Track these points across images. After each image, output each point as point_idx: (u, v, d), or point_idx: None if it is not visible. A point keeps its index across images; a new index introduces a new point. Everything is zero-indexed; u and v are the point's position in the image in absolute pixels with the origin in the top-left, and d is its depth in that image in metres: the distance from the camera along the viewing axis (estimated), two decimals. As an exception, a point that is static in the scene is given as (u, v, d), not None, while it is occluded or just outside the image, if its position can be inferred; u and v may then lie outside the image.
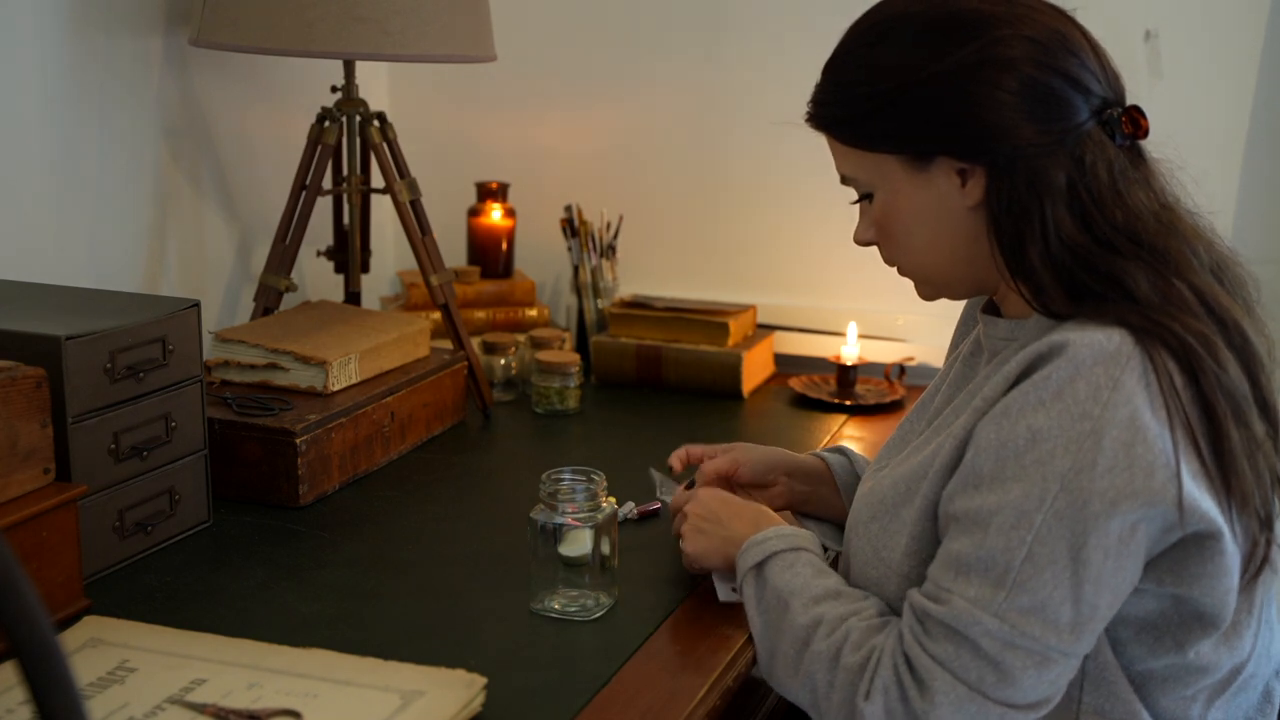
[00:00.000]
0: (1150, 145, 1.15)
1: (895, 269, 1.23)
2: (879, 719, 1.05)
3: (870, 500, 1.21)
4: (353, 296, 2.05)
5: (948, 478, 1.09)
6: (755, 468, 1.48)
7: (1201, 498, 1.01)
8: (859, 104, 1.14)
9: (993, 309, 1.22)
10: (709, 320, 2.13)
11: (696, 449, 1.53)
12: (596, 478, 1.30)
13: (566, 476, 1.31)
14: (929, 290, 1.22)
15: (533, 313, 2.27)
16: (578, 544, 1.28)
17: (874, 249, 1.25)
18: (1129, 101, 1.14)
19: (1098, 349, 1.02)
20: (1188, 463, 1.01)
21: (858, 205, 1.22)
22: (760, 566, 1.21)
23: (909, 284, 1.26)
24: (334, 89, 1.91)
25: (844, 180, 1.21)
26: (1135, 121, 1.11)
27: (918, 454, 1.18)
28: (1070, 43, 1.10)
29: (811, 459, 1.49)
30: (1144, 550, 1.03)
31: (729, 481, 1.48)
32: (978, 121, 1.09)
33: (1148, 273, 1.06)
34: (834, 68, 1.18)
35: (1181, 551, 1.04)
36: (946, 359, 1.35)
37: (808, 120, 1.20)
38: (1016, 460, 1.01)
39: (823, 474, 1.47)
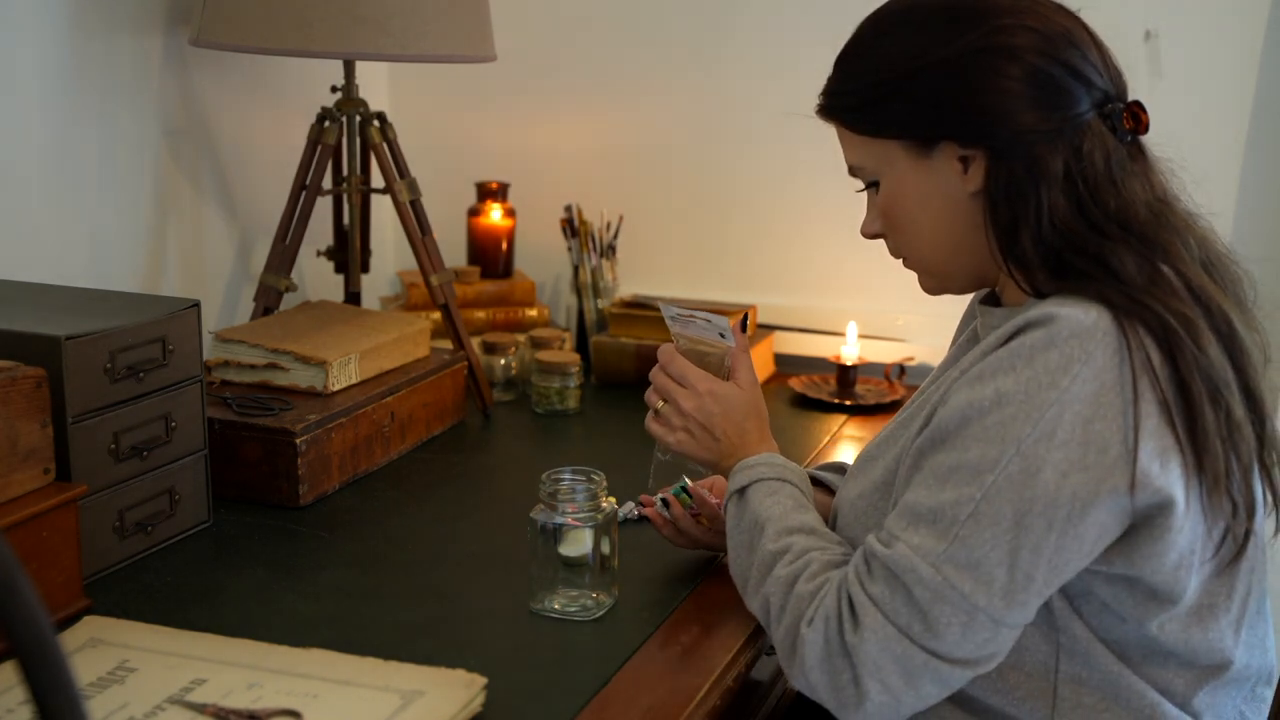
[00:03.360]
0: (1152, 146, 1.16)
1: (901, 261, 1.24)
2: (816, 644, 1.08)
3: (860, 479, 1.22)
4: (353, 296, 2.05)
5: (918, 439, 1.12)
6: None
7: (1161, 472, 1.02)
8: (866, 91, 1.16)
9: (993, 301, 1.23)
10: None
11: None
12: (596, 478, 1.30)
13: (566, 476, 1.31)
14: (931, 282, 1.24)
15: (533, 313, 2.26)
16: (578, 544, 1.28)
17: (877, 246, 1.25)
18: (1130, 99, 1.15)
19: (1075, 323, 1.03)
20: (1158, 439, 1.02)
21: (865, 202, 1.23)
22: (744, 490, 1.25)
23: (909, 284, 1.26)
24: (334, 89, 1.91)
25: (852, 171, 1.22)
26: (1136, 116, 1.13)
27: (904, 430, 1.19)
28: (1073, 36, 1.12)
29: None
30: (1095, 537, 1.03)
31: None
32: (980, 107, 1.11)
33: (1135, 257, 1.08)
34: (844, 59, 1.20)
35: (1131, 534, 1.05)
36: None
37: (818, 111, 1.22)
38: (980, 420, 1.03)
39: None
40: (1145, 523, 1.04)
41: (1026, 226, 1.10)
